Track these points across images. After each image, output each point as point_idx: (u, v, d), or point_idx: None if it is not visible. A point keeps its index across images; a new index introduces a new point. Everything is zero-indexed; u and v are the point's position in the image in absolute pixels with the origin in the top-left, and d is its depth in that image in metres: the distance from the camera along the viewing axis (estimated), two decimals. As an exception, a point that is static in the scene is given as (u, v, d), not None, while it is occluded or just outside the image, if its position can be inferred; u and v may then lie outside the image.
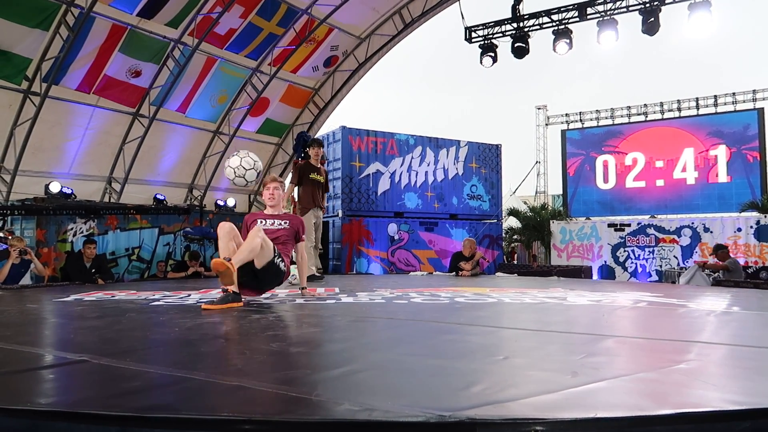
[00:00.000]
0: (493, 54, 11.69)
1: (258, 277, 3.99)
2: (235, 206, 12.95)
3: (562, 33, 11.02)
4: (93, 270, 7.69)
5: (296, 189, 7.01)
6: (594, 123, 18.15)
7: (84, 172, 10.65)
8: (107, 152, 10.86)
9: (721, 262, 8.91)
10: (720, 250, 9.22)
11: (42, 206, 9.21)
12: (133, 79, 10.30)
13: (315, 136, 13.07)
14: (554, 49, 11.13)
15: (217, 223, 3.76)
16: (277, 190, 4.37)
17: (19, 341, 2.51)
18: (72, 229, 9.67)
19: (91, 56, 9.49)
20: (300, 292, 4.51)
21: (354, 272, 12.18)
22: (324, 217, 12.70)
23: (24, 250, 7.13)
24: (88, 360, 2.04)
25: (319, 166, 6.97)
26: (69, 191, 9.85)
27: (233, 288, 3.64)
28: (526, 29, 11.35)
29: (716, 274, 8.81)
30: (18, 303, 4.47)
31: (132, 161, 11.00)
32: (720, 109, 16.37)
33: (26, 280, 7.19)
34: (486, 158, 14.85)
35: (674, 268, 13.13)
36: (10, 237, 7.58)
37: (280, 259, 4.07)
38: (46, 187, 9.57)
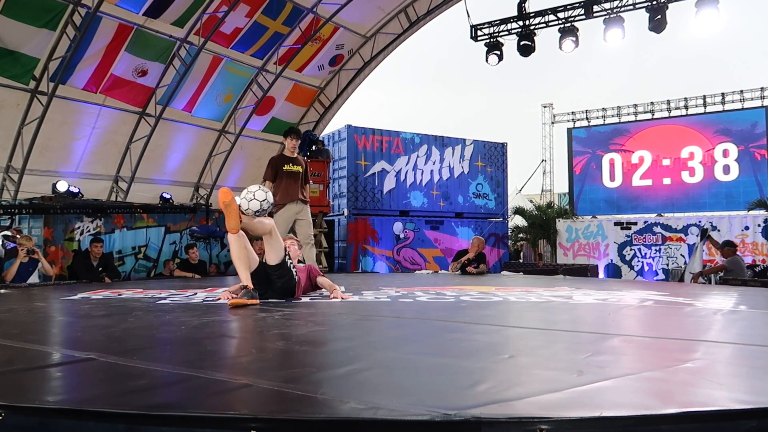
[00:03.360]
0: (498, 52, 11.66)
1: (270, 281, 4.07)
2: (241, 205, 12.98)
3: (568, 31, 10.97)
4: (100, 268, 7.74)
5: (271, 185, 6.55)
6: (600, 121, 18.07)
7: (91, 171, 10.70)
8: (114, 151, 10.91)
9: (724, 258, 8.90)
10: (726, 247, 9.08)
11: (49, 205, 9.26)
12: (140, 79, 10.33)
13: (318, 136, 13.10)
14: (560, 47, 11.08)
15: (223, 222, 3.78)
16: (292, 246, 4.45)
17: (27, 339, 2.53)
18: (79, 227, 9.72)
19: (98, 56, 9.53)
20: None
21: (359, 271, 12.18)
22: (329, 216, 12.79)
23: (32, 249, 7.18)
24: (96, 358, 2.05)
25: (295, 156, 6.53)
26: (76, 190, 9.89)
27: (251, 285, 3.79)
28: (532, 27, 11.31)
29: (720, 275, 8.77)
30: (26, 301, 4.51)
31: (138, 160, 11.04)
32: (728, 106, 16.26)
33: (34, 278, 7.23)
34: (492, 156, 14.82)
35: (681, 267, 13.06)
36: (18, 236, 7.62)
37: (292, 266, 4.17)
38: (54, 186, 9.61)
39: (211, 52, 10.96)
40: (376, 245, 13.01)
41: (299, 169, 6.48)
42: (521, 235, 18.25)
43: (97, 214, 9.92)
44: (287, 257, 4.11)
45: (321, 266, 10.86)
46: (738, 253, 9.20)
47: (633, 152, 16.75)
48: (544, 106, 20.69)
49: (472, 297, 4.35)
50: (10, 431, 1.35)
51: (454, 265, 8.56)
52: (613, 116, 17.93)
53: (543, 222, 16.96)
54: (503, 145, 15.08)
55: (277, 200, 6.34)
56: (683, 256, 14.11)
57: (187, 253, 9.23)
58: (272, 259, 4.04)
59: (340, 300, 4.11)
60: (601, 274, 14.36)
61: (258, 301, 3.76)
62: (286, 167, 6.38)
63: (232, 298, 3.80)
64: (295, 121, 13.65)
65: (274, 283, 4.09)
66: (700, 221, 14.23)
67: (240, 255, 3.88)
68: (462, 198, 14.28)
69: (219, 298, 4.12)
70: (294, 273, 4.17)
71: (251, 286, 3.78)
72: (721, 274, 8.72)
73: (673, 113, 17.02)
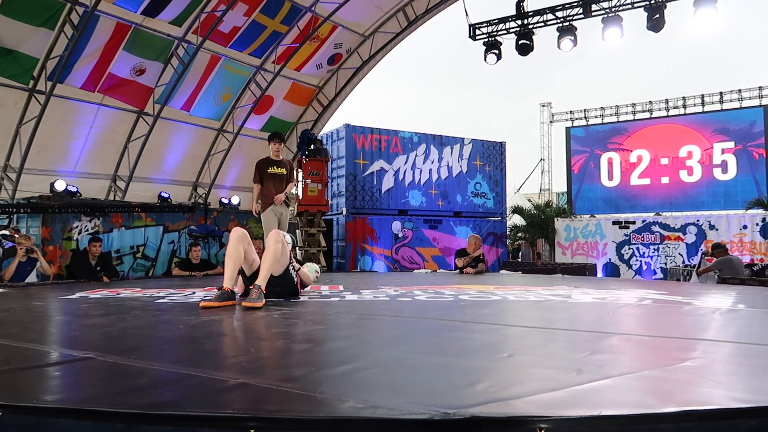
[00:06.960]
0: (497, 51, 11.67)
1: (271, 284, 4.05)
2: (239, 204, 12.98)
3: (567, 30, 10.98)
4: (98, 268, 7.72)
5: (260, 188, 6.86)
6: (599, 120, 18.09)
7: (89, 170, 10.68)
8: (112, 150, 10.89)
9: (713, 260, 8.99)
10: (716, 249, 9.27)
11: (47, 204, 9.24)
12: (138, 78, 10.31)
13: (317, 135, 13.09)
14: (559, 46, 11.09)
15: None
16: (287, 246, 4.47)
17: (25, 339, 2.53)
18: (77, 227, 9.69)
19: (96, 55, 9.50)
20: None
21: (358, 270, 12.19)
22: (328, 215, 12.79)
23: (30, 248, 7.16)
24: (94, 357, 2.05)
25: (279, 159, 6.75)
26: (74, 189, 9.88)
27: (229, 287, 3.75)
28: (530, 26, 11.32)
29: (717, 274, 8.81)
30: (24, 300, 4.50)
31: (136, 159, 11.03)
32: (726, 105, 16.29)
33: (32, 277, 7.22)
34: (490, 156, 14.84)
35: (679, 266, 13.09)
36: (17, 235, 7.61)
37: (294, 270, 4.19)
38: (52, 185, 9.59)
39: (210, 51, 10.94)
40: (374, 244, 13.01)
41: (283, 171, 6.71)
42: (520, 234, 18.29)
43: (95, 213, 9.89)
44: (291, 266, 4.13)
45: (320, 265, 10.88)
46: (735, 252, 9.25)
47: (631, 151, 16.77)
48: (543, 106, 20.73)
49: (471, 296, 4.35)
50: (8, 431, 1.34)
51: (462, 260, 8.44)
52: (611, 115, 17.95)
53: (541, 221, 16.99)
54: (502, 144, 15.09)
55: (263, 201, 6.75)
56: (681, 255, 14.14)
57: (190, 252, 9.18)
58: (277, 270, 4.03)
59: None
60: (600, 273, 14.38)
61: (234, 302, 3.73)
62: (270, 170, 6.65)
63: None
64: (293, 120, 13.64)
65: (275, 287, 4.08)
66: (698, 220, 14.27)
67: (232, 254, 3.87)
68: (460, 197, 14.29)
69: None
70: (294, 276, 4.18)
71: (228, 288, 3.74)
72: (719, 272, 8.75)
73: (672, 112, 17.05)
